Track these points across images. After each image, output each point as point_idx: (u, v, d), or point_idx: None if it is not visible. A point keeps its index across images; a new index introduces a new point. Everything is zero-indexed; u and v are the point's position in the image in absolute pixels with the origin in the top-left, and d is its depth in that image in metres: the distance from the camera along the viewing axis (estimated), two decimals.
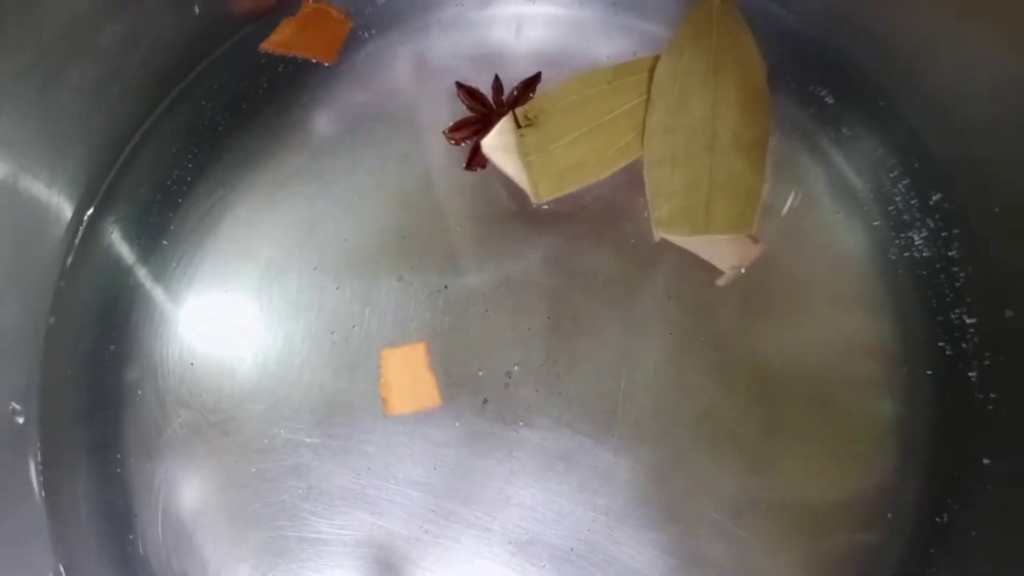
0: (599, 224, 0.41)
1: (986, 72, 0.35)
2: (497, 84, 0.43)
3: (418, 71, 0.44)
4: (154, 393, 0.41)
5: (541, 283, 0.41)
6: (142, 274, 0.43)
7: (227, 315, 0.42)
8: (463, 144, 0.43)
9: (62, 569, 0.39)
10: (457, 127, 0.42)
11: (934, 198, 0.40)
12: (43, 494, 0.40)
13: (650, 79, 0.40)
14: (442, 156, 0.43)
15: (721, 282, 0.39)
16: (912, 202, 0.41)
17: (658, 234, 0.39)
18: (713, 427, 0.39)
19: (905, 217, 0.41)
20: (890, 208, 0.41)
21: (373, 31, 0.45)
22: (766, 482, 0.38)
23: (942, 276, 0.40)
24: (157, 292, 0.43)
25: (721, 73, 0.40)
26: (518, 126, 0.40)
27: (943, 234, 0.40)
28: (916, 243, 0.40)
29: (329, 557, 0.39)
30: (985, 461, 0.37)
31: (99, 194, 0.44)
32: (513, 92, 0.42)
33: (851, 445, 0.38)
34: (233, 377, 0.41)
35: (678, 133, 0.39)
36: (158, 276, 0.43)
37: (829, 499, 0.38)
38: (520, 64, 0.43)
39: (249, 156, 0.44)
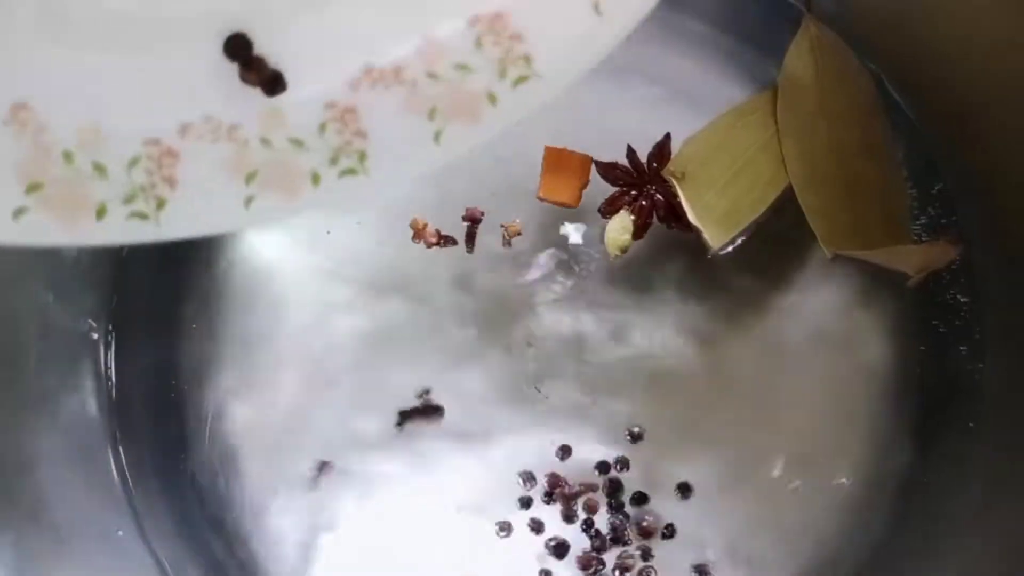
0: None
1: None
2: (631, 152, 0.42)
3: None
4: (208, 328, 0.44)
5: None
6: None
7: (280, 263, 0.45)
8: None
9: (127, 472, 0.43)
10: (612, 203, 0.42)
11: (936, 187, 0.44)
12: (113, 397, 0.43)
13: (772, 113, 0.41)
14: None
15: (911, 284, 0.41)
16: (911, 191, 0.43)
17: (830, 252, 0.41)
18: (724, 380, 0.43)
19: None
20: None
21: None
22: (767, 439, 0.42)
23: None
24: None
25: (832, 91, 0.41)
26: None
27: (942, 221, 0.43)
28: (915, 230, 0.43)
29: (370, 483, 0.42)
30: (970, 425, 0.41)
31: None
32: (653, 163, 0.42)
33: (847, 415, 0.42)
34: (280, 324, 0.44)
35: (811, 156, 0.41)
36: None
37: (817, 454, 0.42)
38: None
39: None
